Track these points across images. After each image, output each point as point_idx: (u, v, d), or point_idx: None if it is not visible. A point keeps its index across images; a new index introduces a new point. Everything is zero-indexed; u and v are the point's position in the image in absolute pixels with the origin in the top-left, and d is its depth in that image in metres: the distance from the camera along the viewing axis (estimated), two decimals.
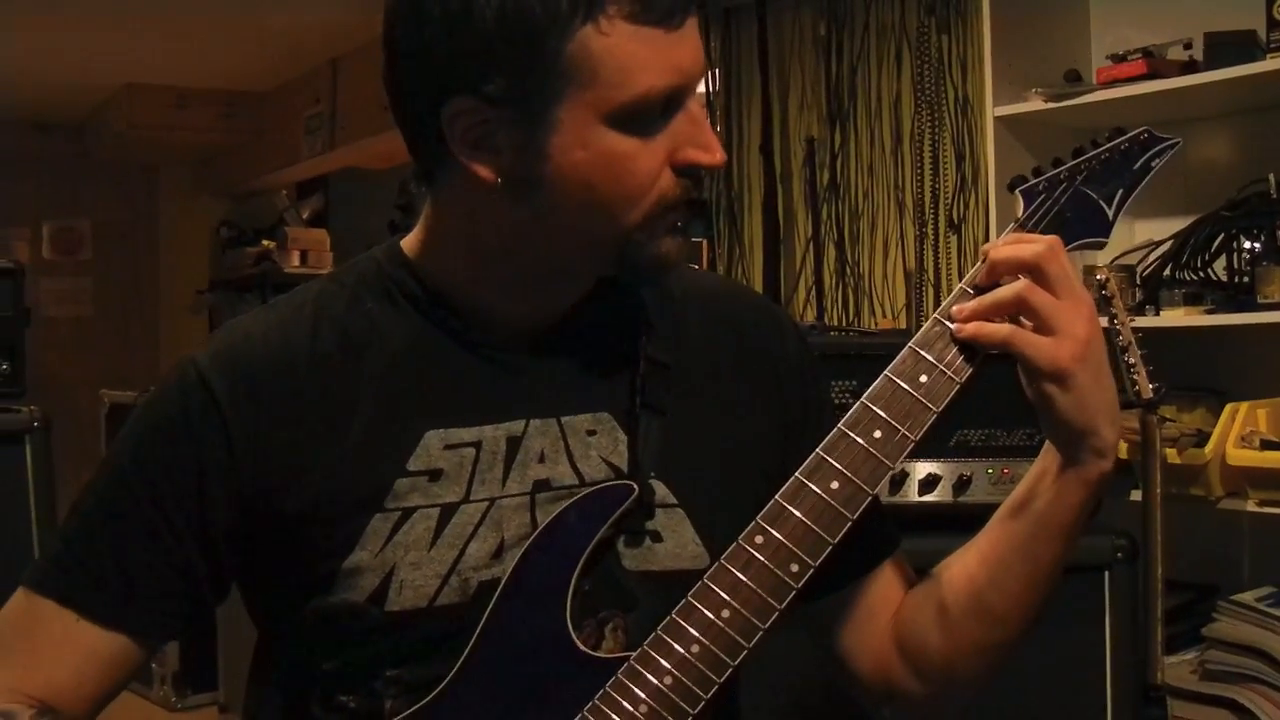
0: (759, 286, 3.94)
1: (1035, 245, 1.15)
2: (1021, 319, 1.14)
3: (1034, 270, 1.14)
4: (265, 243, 6.34)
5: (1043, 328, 1.13)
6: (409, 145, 1.19)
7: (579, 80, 1.08)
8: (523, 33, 1.06)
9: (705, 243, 4.03)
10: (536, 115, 1.09)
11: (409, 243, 1.24)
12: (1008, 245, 1.16)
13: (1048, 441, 1.20)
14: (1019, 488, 1.23)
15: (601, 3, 1.06)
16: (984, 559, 1.24)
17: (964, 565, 1.26)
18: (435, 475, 1.17)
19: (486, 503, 1.18)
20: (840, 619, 1.32)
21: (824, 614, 1.31)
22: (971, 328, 1.15)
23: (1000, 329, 1.14)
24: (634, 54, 1.08)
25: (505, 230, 1.16)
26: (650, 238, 1.14)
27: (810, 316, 3.91)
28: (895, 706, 1.33)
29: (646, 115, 1.10)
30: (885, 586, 1.32)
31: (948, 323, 1.16)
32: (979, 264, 1.18)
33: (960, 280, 1.19)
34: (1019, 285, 1.14)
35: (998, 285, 1.16)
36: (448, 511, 1.17)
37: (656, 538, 1.20)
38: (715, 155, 1.14)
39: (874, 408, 1.15)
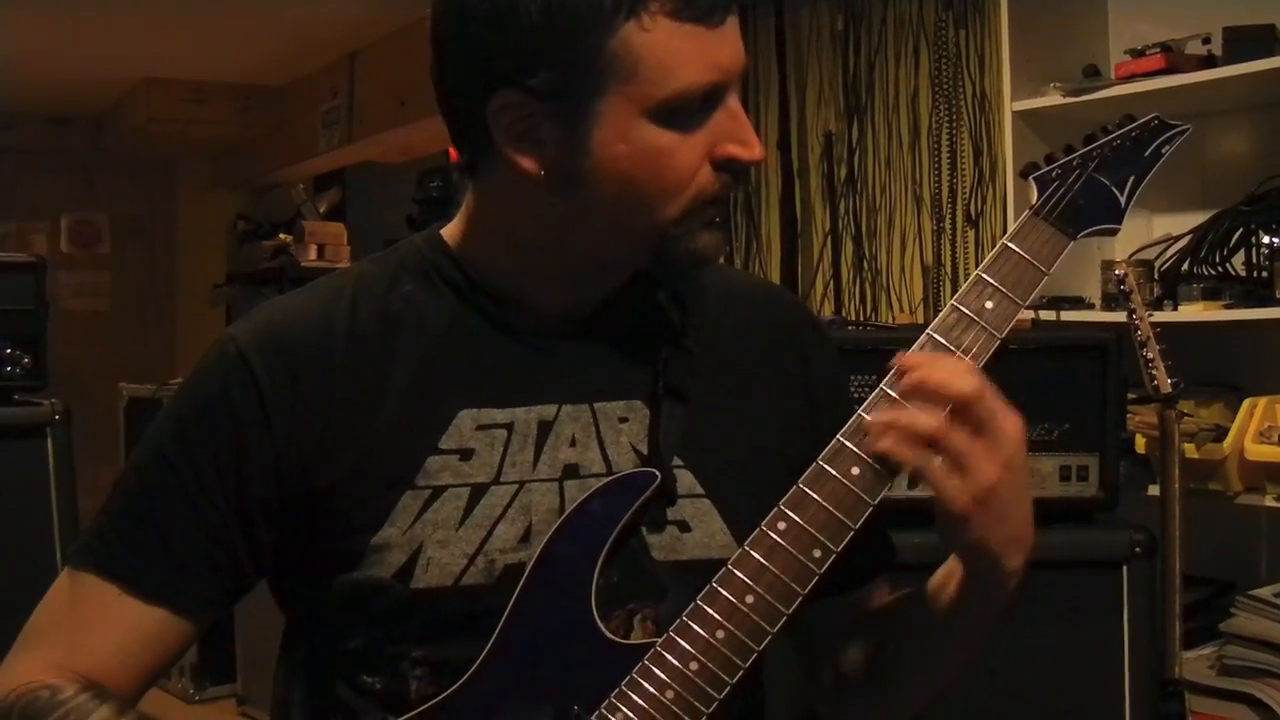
0: (776, 281, 3.94)
1: (967, 381, 1.11)
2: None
3: (960, 407, 1.10)
4: (282, 236, 6.33)
5: (953, 466, 1.11)
6: (453, 136, 1.21)
7: (621, 75, 1.09)
8: (567, 28, 1.08)
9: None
10: (579, 109, 1.11)
11: (450, 231, 1.26)
12: (939, 371, 1.13)
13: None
14: (937, 574, 1.23)
15: None
16: (905, 628, 1.27)
17: (888, 624, 1.30)
18: (466, 454, 1.19)
19: (516, 485, 1.19)
20: (827, 631, 1.34)
21: (817, 623, 1.33)
22: (888, 444, 1.12)
23: (911, 456, 1.11)
24: (675, 50, 1.09)
25: (546, 222, 1.18)
26: (687, 232, 1.16)
27: (828, 311, 3.91)
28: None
29: (686, 110, 1.11)
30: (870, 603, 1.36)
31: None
32: (892, 374, 1.15)
33: None
34: (935, 423, 1.10)
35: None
36: (478, 492, 1.18)
37: (685, 528, 1.21)
38: (754, 151, 1.15)
39: (891, 394, 1.16)
